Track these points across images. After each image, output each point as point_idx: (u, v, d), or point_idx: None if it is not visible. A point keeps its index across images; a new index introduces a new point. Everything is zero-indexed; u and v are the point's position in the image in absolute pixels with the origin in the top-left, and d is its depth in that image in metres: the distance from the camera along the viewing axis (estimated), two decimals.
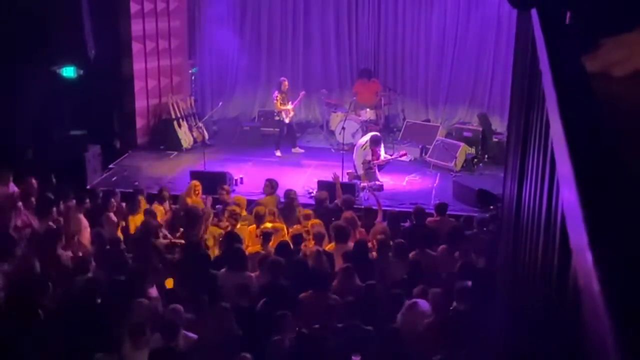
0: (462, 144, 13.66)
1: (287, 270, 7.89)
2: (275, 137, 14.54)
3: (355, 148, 12.92)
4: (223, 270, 7.94)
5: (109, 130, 14.19)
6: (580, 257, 1.30)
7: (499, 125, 14.81)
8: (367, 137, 12.85)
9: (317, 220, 9.65)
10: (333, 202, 10.64)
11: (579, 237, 1.29)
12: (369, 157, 12.51)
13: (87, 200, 10.38)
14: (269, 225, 9.45)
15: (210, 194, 10.88)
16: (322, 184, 11.64)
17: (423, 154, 14.12)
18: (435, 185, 12.80)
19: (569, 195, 1.46)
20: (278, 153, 14.28)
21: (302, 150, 14.52)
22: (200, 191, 10.77)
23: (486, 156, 13.94)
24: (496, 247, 8.13)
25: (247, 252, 8.65)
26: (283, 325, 6.53)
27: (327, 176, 11.97)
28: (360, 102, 15.24)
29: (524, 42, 4.99)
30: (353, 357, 6.14)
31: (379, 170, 12.81)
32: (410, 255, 8.48)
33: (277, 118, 14.49)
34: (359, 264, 8.11)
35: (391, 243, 8.74)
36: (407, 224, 9.89)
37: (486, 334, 5.92)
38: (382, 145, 13.01)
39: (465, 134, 14.34)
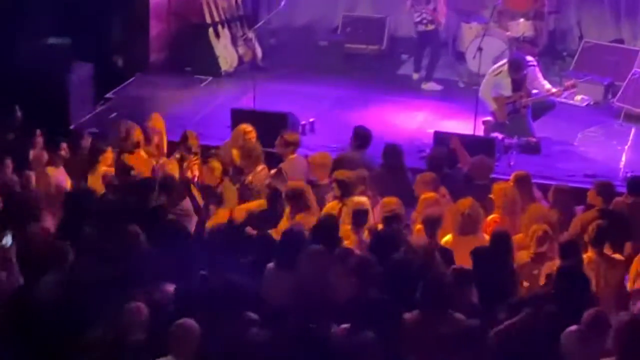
0: None
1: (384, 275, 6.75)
2: (414, 55, 12.70)
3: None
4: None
5: (107, 40, 12.08)
6: None
7: None
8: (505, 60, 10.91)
9: (430, 194, 8.05)
10: (454, 166, 9.19)
11: None
12: (509, 93, 10.43)
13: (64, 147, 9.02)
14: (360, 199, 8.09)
15: (266, 146, 9.01)
16: (439, 137, 9.90)
17: (609, 96, 12.07)
18: (627, 147, 10.81)
19: None
20: (416, 76, 12.57)
21: (439, 87, 12.54)
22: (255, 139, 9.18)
23: None
24: None
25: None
26: None
27: (449, 125, 10.49)
28: (509, 8, 12.94)
29: None
30: None
31: (534, 119, 10.45)
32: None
33: (428, 27, 12.29)
34: (496, 268, 7.04)
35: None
36: (581, 208, 8.40)
37: None
38: (539, 72, 10.68)
39: None
